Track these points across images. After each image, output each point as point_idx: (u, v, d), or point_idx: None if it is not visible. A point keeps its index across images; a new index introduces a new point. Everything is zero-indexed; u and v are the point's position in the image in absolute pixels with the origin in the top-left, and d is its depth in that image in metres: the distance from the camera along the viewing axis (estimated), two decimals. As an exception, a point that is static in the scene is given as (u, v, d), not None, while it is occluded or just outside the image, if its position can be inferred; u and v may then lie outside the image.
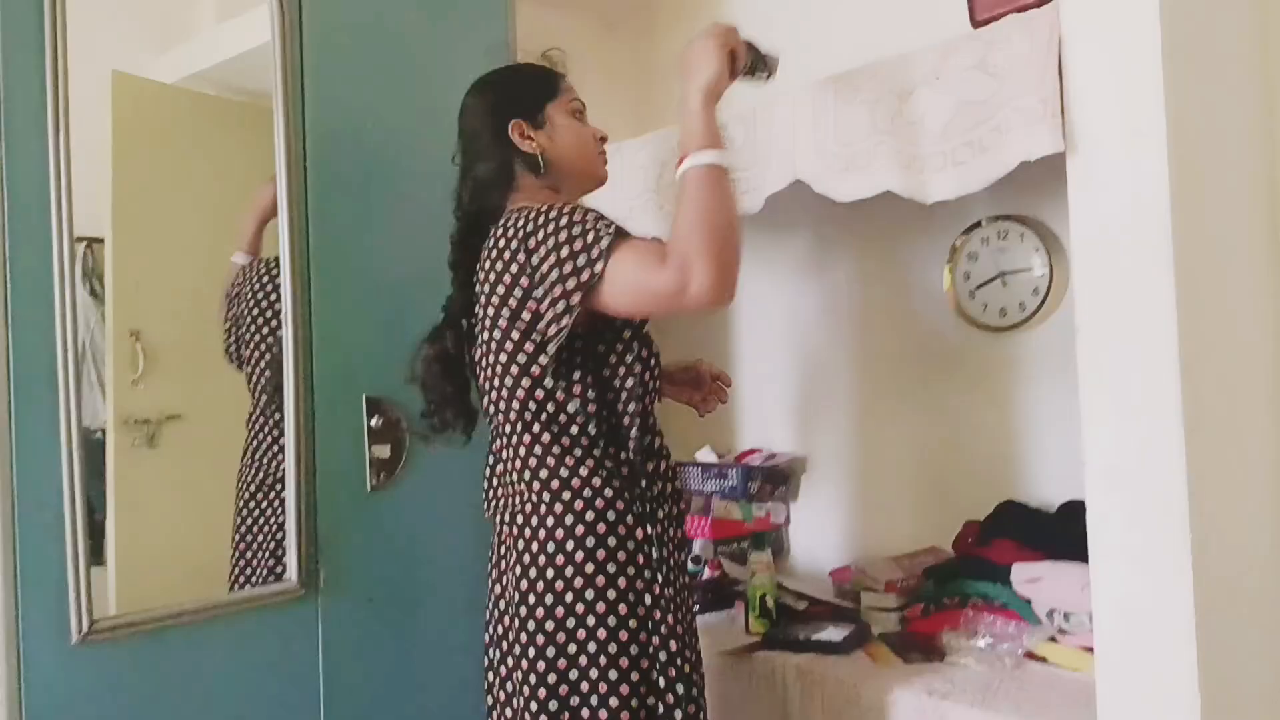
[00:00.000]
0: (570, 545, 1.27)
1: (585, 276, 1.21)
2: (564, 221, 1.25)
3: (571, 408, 1.30)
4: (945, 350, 1.94)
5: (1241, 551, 1.35)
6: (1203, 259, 1.27)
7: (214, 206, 1.72)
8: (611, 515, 1.28)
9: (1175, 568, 1.18)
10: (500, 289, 1.29)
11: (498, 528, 1.38)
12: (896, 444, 2.03)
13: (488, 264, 1.32)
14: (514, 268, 1.28)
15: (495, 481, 1.40)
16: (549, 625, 1.26)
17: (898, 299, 2.02)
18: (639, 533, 1.29)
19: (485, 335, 1.34)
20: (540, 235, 1.25)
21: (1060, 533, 1.56)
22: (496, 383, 1.34)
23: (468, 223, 1.41)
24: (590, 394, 1.30)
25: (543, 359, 1.28)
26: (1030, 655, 1.51)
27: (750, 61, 1.41)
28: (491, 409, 1.38)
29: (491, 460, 1.41)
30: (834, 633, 1.64)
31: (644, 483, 1.32)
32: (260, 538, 1.63)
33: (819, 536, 2.14)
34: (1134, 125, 1.22)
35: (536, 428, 1.31)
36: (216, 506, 1.68)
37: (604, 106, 2.56)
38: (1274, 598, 1.46)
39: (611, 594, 1.26)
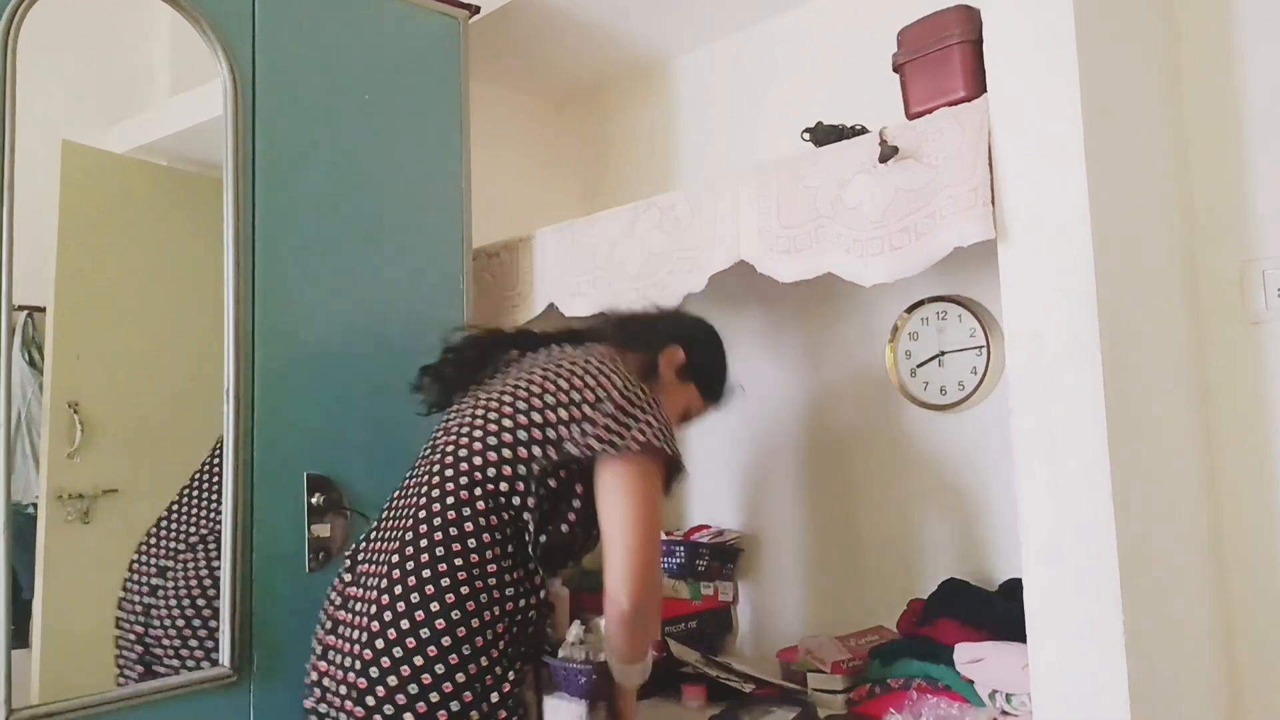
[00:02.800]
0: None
1: (624, 445, 1.33)
2: (658, 415, 1.40)
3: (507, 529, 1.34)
4: (889, 428, 1.97)
5: (1175, 618, 1.38)
6: (1129, 342, 1.31)
7: (161, 277, 1.71)
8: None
9: (1110, 635, 1.20)
10: (570, 407, 1.38)
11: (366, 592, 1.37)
12: (843, 521, 2.04)
13: (573, 379, 1.41)
14: (588, 407, 1.38)
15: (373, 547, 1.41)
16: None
17: (843, 377, 2.05)
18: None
19: (504, 412, 1.40)
20: (642, 405, 1.40)
21: (1001, 611, 1.57)
22: (475, 450, 1.37)
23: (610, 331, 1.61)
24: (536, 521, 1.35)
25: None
26: (974, 737, 1.51)
27: None
28: (435, 467, 1.39)
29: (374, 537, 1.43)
30: (781, 716, 1.62)
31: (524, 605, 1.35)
32: (163, 618, 1.58)
33: (767, 616, 2.13)
34: (1061, 214, 1.27)
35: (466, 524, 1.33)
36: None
37: (553, 185, 2.62)
38: (1210, 672, 1.48)
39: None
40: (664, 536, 2.20)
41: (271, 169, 1.65)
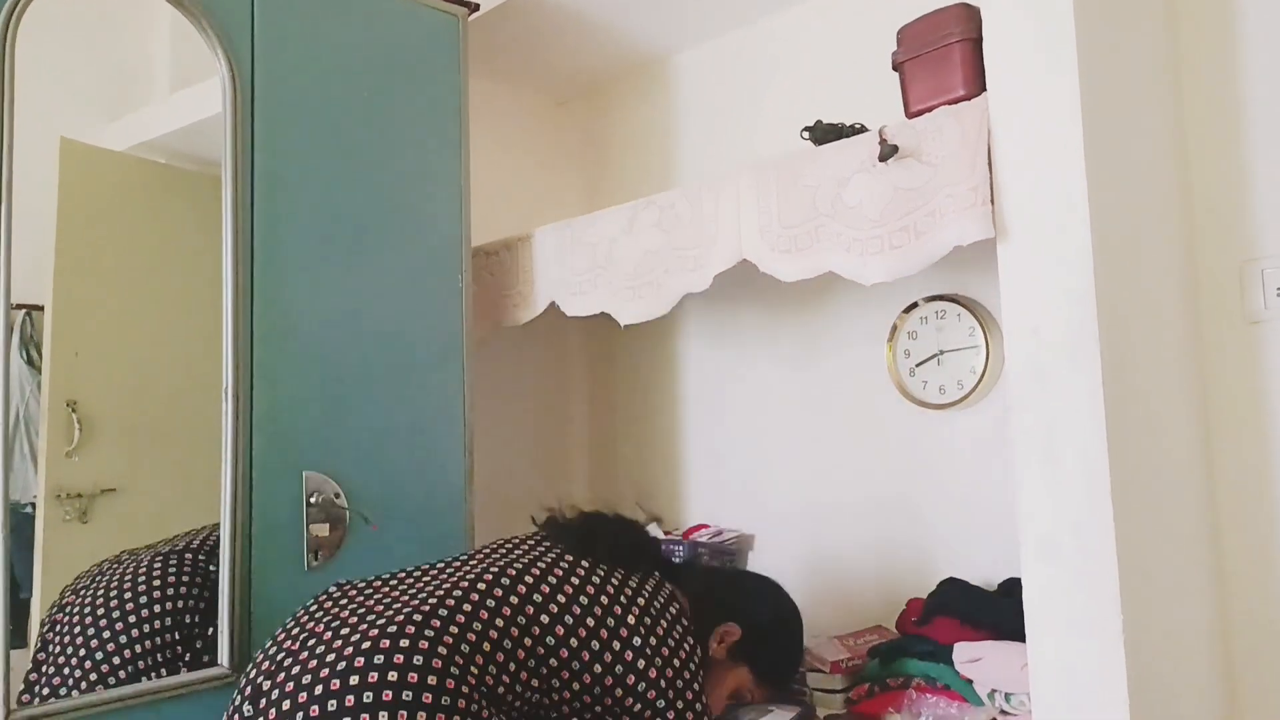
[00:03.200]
0: None
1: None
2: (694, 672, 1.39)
3: None
4: (888, 428, 1.96)
5: (1174, 616, 1.38)
6: (1128, 340, 1.31)
7: (160, 275, 1.71)
8: None
9: (1109, 633, 1.20)
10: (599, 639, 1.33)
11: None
12: (843, 521, 2.04)
13: (616, 607, 1.36)
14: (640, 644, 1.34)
15: None
16: None
17: (843, 376, 2.04)
18: None
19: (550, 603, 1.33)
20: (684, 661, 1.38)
21: (1001, 611, 1.57)
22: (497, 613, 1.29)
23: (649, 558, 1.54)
24: None
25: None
26: (973, 736, 1.51)
27: None
28: (444, 593, 1.30)
29: None
30: (780, 715, 1.62)
31: None
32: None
33: (766, 613, 2.13)
34: (1060, 214, 1.27)
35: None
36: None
37: (553, 182, 2.61)
38: (1209, 668, 1.48)
39: None
40: (664, 535, 2.20)
41: (270, 167, 1.65)
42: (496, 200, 2.26)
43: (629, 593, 1.40)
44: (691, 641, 1.43)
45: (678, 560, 1.68)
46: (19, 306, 1.48)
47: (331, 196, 1.74)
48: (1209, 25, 1.57)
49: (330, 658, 1.20)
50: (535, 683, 1.28)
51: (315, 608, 1.34)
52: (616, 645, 1.33)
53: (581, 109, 2.63)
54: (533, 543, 1.47)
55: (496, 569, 1.35)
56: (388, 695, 1.14)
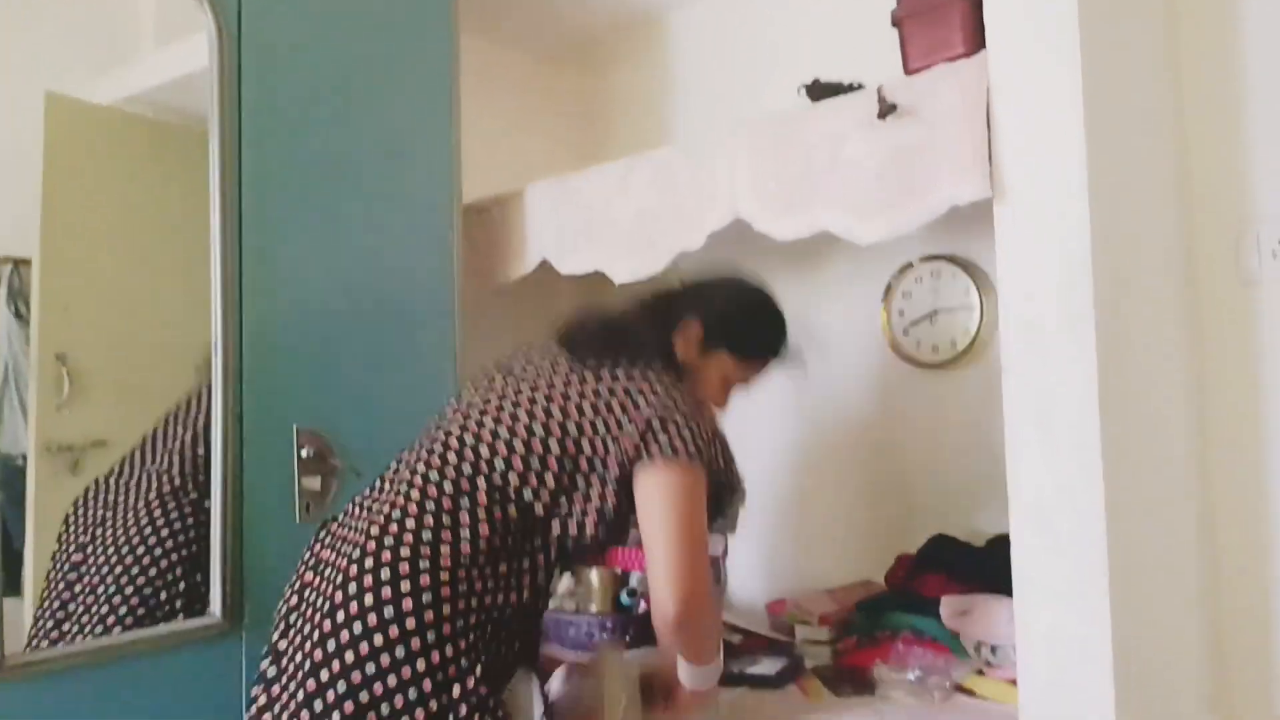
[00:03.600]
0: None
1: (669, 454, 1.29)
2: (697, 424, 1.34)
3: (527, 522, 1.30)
4: (881, 385, 1.97)
5: (1162, 584, 1.40)
6: (1123, 303, 1.31)
7: (147, 229, 1.69)
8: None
9: (1095, 598, 1.22)
10: (612, 418, 1.34)
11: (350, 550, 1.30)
12: (833, 477, 2.05)
13: (617, 390, 1.36)
14: (637, 423, 1.32)
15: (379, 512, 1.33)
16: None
17: (836, 334, 2.05)
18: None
19: (521, 403, 1.36)
20: (678, 413, 1.33)
21: (988, 566, 1.59)
22: (484, 439, 1.33)
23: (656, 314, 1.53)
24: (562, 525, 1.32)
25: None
26: (958, 688, 1.53)
27: None
28: (437, 448, 1.35)
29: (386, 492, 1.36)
30: (767, 666, 1.64)
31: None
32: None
33: (756, 569, 2.15)
34: (1058, 174, 1.26)
35: (500, 563, 1.28)
36: (141, 536, 1.63)
37: (547, 140, 2.59)
38: (1195, 631, 1.50)
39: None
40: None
41: (258, 122, 1.62)
42: (489, 158, 2.23)
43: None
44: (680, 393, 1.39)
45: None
46: (6, 260, 1.47)
47: (320, 152, 1.72)
48: (1210, -14, 1.56)
49: (319, 601, 1.25)
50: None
51: (308, 554, 1.39)
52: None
53: (576, 67, 2.60)
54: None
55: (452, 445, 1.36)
56: (372, 620, 1.19)
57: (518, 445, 1.33)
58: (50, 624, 1.46)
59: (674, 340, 1.51)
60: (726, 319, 1.55)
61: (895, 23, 1.50)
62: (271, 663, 1.30)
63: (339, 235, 1.73)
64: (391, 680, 1.17)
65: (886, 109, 1.40)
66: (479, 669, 1.21)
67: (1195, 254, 1.56)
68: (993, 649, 1.52)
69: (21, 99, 1.46)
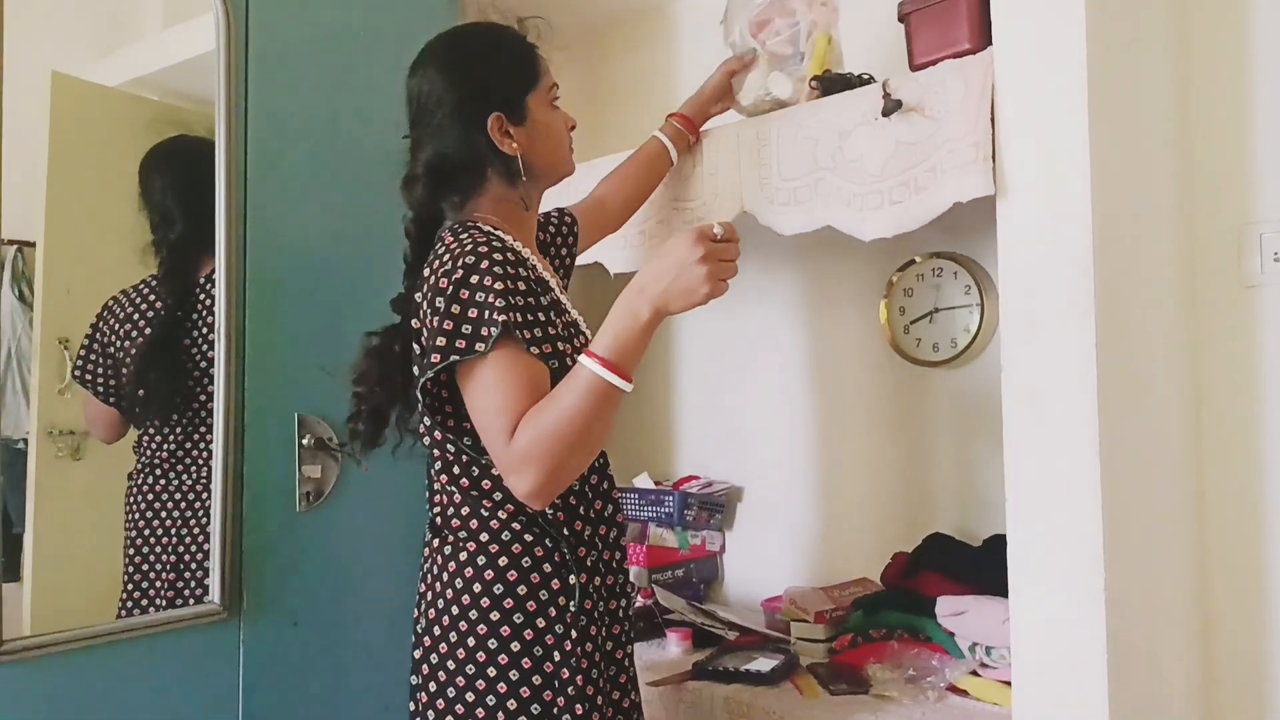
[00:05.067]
0: (478, 589, 1.21)
1: (442, 358, 1.15)
2: (464, 292, 1.16)
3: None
4: (880, 383, 1.97)
5: (1157, 582, 1.40)
6: (1124, 302, 1.31)
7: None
8: (526, 562, 1.21)
9: (1091, 596, 1.22)
10: (422, 314, 1.22)
11: (427, 537, 1.33)
12: (831, 474, 2.05)
13: (424, 283, 1.23)
14: (425, 303, 1.21)
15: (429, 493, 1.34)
16: (450, 667, 1.21)
17: (836, 331, 2.05)
18: (554, 583, 1.21)
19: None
20: (447, 289, 1.17)
21: (985, 566, 1.59)
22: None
23: (421, 224, 1.32)
24: None
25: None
26: (952, 688, 1.53)
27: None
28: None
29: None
30: (763, 663, 1.65)
31: (575, 526, 1.25)
32: (158, 558, 1.58)
33: (753, 566, 2.16)
34: (1060, 173, 1.26)
35: (456, 468, 1.25)
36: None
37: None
38: (1189, 629, 1.50)
39: (515, 646, 1.19)
40: (653, 485, 2.22)
41: (264, 105, 1.62)
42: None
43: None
44: (465, 267, 1.17)
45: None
46: (10, 242, 1.47)
47: (326, 136, 1.72)
48: (1218, -13, 1.55)
49: None
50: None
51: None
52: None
53: (581, 54, 2.59)
54: None
55: None
56: None
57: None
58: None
59: (486, 152, 1.29)
60: (482, 85, 1.31)
61: (902, 17, 1.50)
62: None
63: (344, 220, 1.72)
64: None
65: (891, 106, 1.39)
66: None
67: (1197, 255, 1.56)
68: (987, 650, 1.52)
69: (28, 79, 1.46)
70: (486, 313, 1.15)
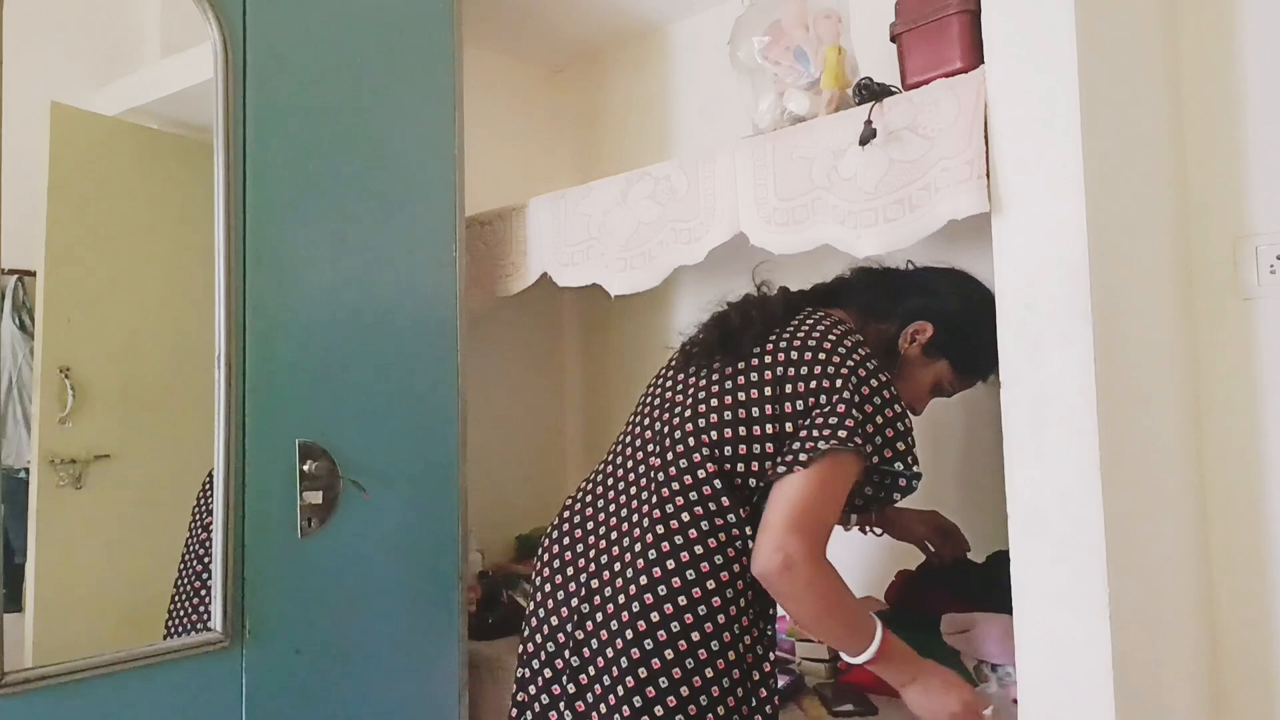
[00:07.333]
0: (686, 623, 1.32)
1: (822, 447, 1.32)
2: (885, 397, 1.40)
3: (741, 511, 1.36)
4: (881, 400, 1.96)
5: (1161, 593, 1.39)
6: (1121, 316, 1.31)
7: (152, 241, 1.70)
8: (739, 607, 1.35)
9: (1095, 607, 1.21)
10: (799, 382, 1.37)
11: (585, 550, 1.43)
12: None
13: (808, 343, 1.41)
14: (826, 380, 1.37)
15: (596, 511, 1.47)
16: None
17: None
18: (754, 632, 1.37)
19: (726, 385, 1.41)
20: (872, 385, 1.39)
21: (988, 582, 1.59)
22: (704, 428, 1.39)
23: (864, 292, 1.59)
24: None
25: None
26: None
27: None
28: (653, 446, 1.43)
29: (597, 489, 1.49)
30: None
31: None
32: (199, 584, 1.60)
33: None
34: (1056, 188, 1.26)
35: (708, 504, 1.36)
36: (144, 551, 1.64)
37: (548, 152, 2.60)
38: (1194, 641, 1.49)
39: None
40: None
41: (263, 134, 1.63)
42: (491, 170, 2.24)
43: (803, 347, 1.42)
44: (863, 352, 1.43)
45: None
46: (11, 272, 1.48)
47: (324, 164, 1.73)
48: (1208, 1, 1.55)
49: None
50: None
51: (549, 544, 1.51)
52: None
53: (578, 78, 2.61)
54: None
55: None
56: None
57: (741, 430, 1.40)
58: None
59: (899, 339, 1.54)
60: (960, 332, 1.54)
61: (894, 37, 1.50)
62: None
63: (342, 247, 1.73)
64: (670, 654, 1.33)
65: (868, 134, 1.40)
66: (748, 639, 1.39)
67: (1194, 268, 1.56)
68: (993, 667, 1.52)
69: (27, 109, 1.47)
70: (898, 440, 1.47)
